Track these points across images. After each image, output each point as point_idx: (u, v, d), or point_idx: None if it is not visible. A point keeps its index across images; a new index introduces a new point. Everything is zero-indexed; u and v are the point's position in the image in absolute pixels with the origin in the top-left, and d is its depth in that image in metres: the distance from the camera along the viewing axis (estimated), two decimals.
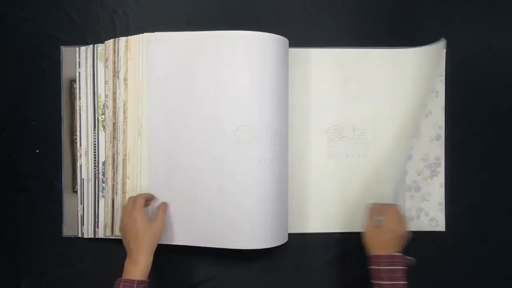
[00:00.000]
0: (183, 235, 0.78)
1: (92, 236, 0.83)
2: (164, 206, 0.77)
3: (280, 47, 0.78)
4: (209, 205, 0.77)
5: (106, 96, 0.82)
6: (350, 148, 0.84)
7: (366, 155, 0.85)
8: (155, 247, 0.72)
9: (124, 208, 0.75)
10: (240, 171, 0.76)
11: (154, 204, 0.78)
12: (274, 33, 0.77)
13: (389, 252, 0.72)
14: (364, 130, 0.84)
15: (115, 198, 0.82)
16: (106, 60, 0.82)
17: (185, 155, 0.78)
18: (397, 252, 0.73)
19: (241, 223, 0.76)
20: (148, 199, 0.77)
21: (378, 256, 0.72)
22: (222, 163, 0.76)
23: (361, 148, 0.84)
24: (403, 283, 0.70)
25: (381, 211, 0.76)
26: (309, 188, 0.84)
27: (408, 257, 0.73)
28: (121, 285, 0.68)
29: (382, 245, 0.73)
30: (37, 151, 0.84)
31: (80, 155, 0.84)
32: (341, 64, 0.84)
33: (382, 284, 0.70)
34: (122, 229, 0.74)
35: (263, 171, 0.76)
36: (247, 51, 0.76)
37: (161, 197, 0.79)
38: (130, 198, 0.76)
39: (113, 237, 0.82)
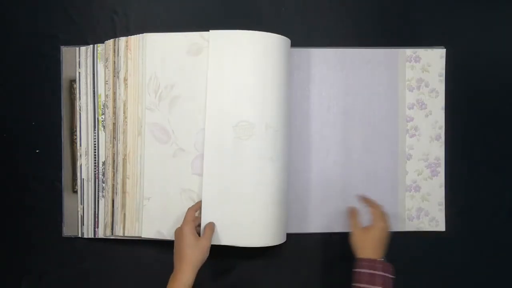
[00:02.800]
0: None
1: (92, 236, 0.83)
2: (212, 225, 0.75)
3: (283, 47, 0.78)
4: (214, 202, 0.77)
5: (106, 96, 0.82)
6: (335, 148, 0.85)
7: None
8: (200, 266, 0.70)
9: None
10: (240, 168, 0.76)
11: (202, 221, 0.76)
12: (275, 33, 0.77)
13: (380, 254, 0.72)
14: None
15: (115, 198, 0.82)
16: (106, 60, 0.82)
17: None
18: (384, 258, 0.72)
19: (239, 220, 0.76)
20: (197, 209, 0.76)
21: (374, 260, 0.71)
22: (222, 158, 0.76)
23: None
24: None
25: (373, 206, 0.76)
26: (311, 187, 0.84)
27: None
28: None
29: (372, 247, 0.72)
30: (37, 151, 0.84)
31: (80, 155, 0.84)
32: (341, 64, 0.85)
33: None
34: (174, 243, 0.73)
35: (263, 168, 0.76)
36: (251, 50, 0.76)
37: (160, 192, 0.79)
38: (188, 210, 0.75)
39: (113, 237, 0.82)
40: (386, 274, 0.69)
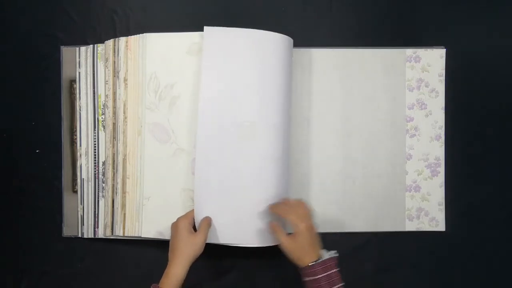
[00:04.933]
0: None
1: (92, 236, 0.83)
2: (208, 220, 0.75)
3: (286, 47, 0.78)
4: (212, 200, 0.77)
5: (106, 96, 0.82)
6: None
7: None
8: (192, 261, 0.70)
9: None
10: (241, 167, 0.76)
11: (199, 213, 0.76)
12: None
13: (318, 254, 0.68)
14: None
15: (115, 198, 0.82)
16: (106, 60, 0.82)
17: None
18: (322, 250, 0.69)
19: (240, 220, 0.76)
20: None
21: (313, 266, 0.67)
22: (225, 158, 0.76)
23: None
24: (341, 285, 0.67)
25: (284, 214, 0.71)
26: (310, 187, 0.84)
27: (333, 254, 0.69)
28: None
29: (307, 251, 0.68)
30: (37, 151, 0.84)
31: (80, 155, 0.84)
32: (341, 64, 0.85)
33: None
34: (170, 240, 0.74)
35: (264, 168, 0.76)
36: (254, 48, 0.76)
37: (160, 192, 0.79)
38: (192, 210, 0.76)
39: (113, 237, 0.82)
40: (328, 272, 0.66)
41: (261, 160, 0.76)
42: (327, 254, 0.69)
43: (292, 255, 0.70)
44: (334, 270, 0.67)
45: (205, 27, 0.77)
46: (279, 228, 0.72)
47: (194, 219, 0.75)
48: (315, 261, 0.67)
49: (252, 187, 0.76)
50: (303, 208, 0.72)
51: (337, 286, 0.66)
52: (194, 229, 0.74)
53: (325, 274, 0.66)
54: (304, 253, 0.68)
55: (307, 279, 0.68)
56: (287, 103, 0.79)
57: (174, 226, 0.73)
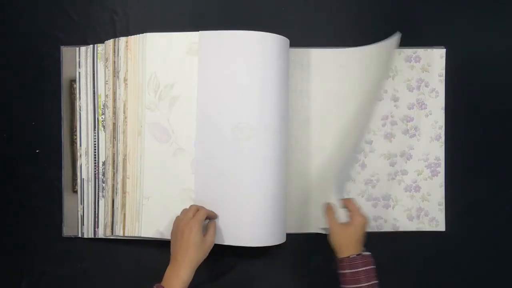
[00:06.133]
0: None
1: (92, 236, 0.83)
2: (215, 223, 0.75)
3: (281, 47, 0.78)
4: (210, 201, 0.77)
5: (106, 96, 0.82)
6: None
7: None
8: (200, 263, 0.70)
9: (183, 213, 0.73)
10: (239, 168, 0.76)
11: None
12: (274, 33, 0.77)
13: (359, 249, 0.71)
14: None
15: (115, 198, 0.82)
16: (106, 60, 0.82)
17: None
18: (363, 248, 0.72)
19: (239, 220, 0.76)
20: (211, 217, 0.76)
21: (354, 258, 0.69)
22: (221, 160, 0.76)
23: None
24: (377, 282, 0.69)
25: (349, 205, 0.74)
26: (310, 187, 0.84)
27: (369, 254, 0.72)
28: None
29: (352, 244, 0.71)
30: (37, 151, 0.84)
31: (80, 155, 0.84)
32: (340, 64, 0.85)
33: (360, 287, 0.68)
34: (173, 235, 0.72)
35: (262, 169, 0.76)
36: (250, 50, 0.76)
37: (160, 191, 0.79)
38: (193, 206, 0.74)
39: (113, 237, 0.82)
40: (367, 267, 0.69)
41: (258, 161, 0.76)
42: (366, 252, 0.71)
43: (336, 243, 0.72)
44: (372, 267, 0.69)
45: (199, 32, 0.77)
46: (333, 212, 0.75)
47: (203, 219, 0.74)
48: (356, 254, 0.69)
49: (252, 188, 0.76)
50: (358, 205, 0.75)
51: (373, 282, 0.68)
52: None
53: (364, 268, 0.68)
54: (348, 244, 0.71)
55: (346, 271, 0.69)
56: (284, 104, 0.79)
57: (188, 228, 0.70)
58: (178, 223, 0.72)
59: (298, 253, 0.84)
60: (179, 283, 0.67)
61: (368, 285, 0.68)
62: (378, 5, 0.86)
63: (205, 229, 0.74)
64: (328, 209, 0.76)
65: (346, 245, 0.71)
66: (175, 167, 0.79)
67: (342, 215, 0.75)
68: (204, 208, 0.75)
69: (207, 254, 0.71)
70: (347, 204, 0.75)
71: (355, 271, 0.68)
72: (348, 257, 0.70)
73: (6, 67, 0.85)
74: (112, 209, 0.82)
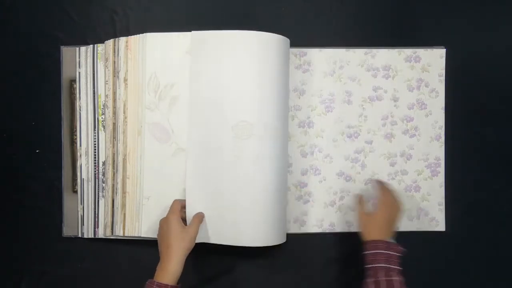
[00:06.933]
0: None
1: (92, 236, 0.83)
2: (201, 215, 0.76)
3: (281, 47, 0.78)
4: (208, 200, 0.77)
5: (106, 96, 0.82)
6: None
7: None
8: (187, 254, 0.70)
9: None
10: (239, 167, 0.76)
11: (192, 212, 0.77)
12: (274, 33, 0.77)
13: (385, 236, 0.72)
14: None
15: (115, 198, 0.82)
16: (106, 60, 0.82)
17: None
18: (391, 238, 0.73)
19: (239, 220, 0.76)
20: (184, 205, 0.77)
21: (377, 241, 0.71)
22: (221, 158, 0.76)
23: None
24: (399, 268, 0.69)
25: (371, 197, 0.78)
26: (310, 187, 0.84)
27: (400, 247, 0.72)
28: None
29: (377, 230, 0.73)
30: (37, 151, 0.84)
31: (80, 155, 0.84)
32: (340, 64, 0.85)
33: (378, 267, 0.69)
34: (158, 234, 0.74)
35: (262, 168, 0.76)
36: (250, 50, 0.76)
37: (160, 191, 0.79)
38: (173, 201, 0.75)
39: (113, 237, 0.82)
40: (389, 252, 0.70)
41: (258, 161, 0.76)
42: (392, 241, 0.72)
43: (361, 228, 0.75)
44: (396, 253, 0.70)
45: (192, 32, 0.77)
46: (362, 202, 0.79)
47: (182, 212, 0.75)
48: (380, 240, 0.71)
49: (251, 188, 0.76)
50: (393, 195, 0.77)
51: (394, 266, 0.69)
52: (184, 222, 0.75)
53: (385, 251, 0.70)
54: (373, 230, 0.73)
55: (367, 252, 0.71)
56: (283, 103, 0.79)
57: (165, 222, 0.72)
58: (160, 221, 0.74)
59: (298, 253, 0.84)
60: (167, 276, 0.68)
61: (387, 267, 0.69)
62: (378, 5, 0.86)
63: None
64: (359, 198, 0.80)
65: (370, 230, 0.73)
66: (175, 167, 0.79)
67: (370, 207, 0.78)
68: (177, 200, 0.75)
69: (192, 243, 0.71)
70: (381, 190, 0.77)
71: (375, 252, 0.70)
72: (372, 240, 0.72)
73: (6, 67, 0.85)
74: (112, 209, 0.82)
